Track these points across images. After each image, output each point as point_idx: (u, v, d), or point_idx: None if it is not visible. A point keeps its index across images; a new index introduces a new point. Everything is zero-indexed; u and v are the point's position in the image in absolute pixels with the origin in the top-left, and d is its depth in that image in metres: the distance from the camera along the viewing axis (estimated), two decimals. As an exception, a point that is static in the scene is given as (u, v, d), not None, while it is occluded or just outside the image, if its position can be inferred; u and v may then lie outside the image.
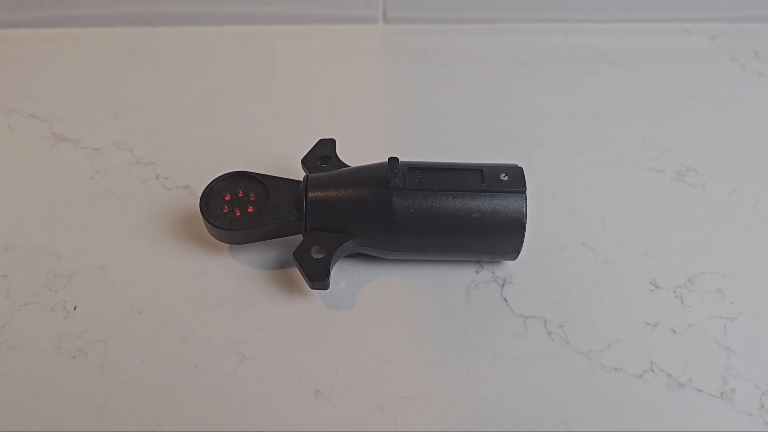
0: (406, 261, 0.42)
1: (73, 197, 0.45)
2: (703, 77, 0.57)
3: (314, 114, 0.52)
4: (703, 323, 0.39)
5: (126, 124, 0.51)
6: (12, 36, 0.59)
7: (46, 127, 0.50)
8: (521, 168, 0.39)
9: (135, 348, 0.37)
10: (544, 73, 0.57)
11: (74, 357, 0.36)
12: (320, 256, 0.38)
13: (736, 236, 0.44)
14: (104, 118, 0.51)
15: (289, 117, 0.52)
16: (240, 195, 0.40)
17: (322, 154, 0.42)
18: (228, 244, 0.42)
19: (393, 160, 0.38)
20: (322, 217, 0.38)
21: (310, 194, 0.38)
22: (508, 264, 0.42)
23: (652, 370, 0.37)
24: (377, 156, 0.42)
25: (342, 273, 0.41)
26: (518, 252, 0.39)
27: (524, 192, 0.38)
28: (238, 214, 0.39)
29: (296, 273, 0.41)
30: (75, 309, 0.39)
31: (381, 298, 0.40)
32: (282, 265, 0.41)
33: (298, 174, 0.43)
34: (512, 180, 0.38)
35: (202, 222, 0.40)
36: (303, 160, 0.42)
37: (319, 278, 0.37)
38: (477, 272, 0.41)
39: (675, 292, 0.41)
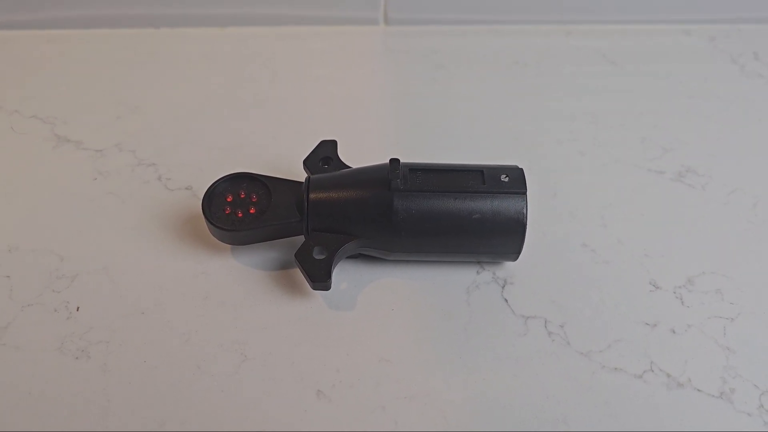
0: (407, 262, 0.42)
1: (76, 198, 0.45)
2: (703, 78, 0.57)
3: (315, 115, 0.52)
4: (702, 323, 0.39)
5: (128, 125, 0.51)
6: (14, 37, 0.59)
7: (48, 128, 0.50)
8: (522, 169, 0.39)
9: (137, 348, 0.37)
10: (544, 74, 0.57)
11: (77, 357, 0.37)
12: (322, 257, 0.38)
13: (735, 237, 0.44)
14: (107, 120, 0.51)
15: (291, 118, 0.52)
16: (242, 196, 0.40)
17: (324, 156, 0.43)
18: (230, 245, 0.42)
19: (394, 162, 0.38)
20: (323, 218, 0.38)
21: (312, 195, 0.39)
22: (509, 265, 0.42)
23: (652, 370, 0.37)
24: (378, 157, 0.42)
25: (343, 274, 0.41)
26: (519, 253, 0.39)
27: (525, 193, 0.38)
28: (240, 215, 0.40)
29: (298, 274, 0.41)
30: (78, 310, 0.39)
31: (382, 298, 0.40)
32: (284, 266, 0.41)
33: (300, 175, 0.43)
34: (513, 181, 0.38)
35: (204, 223, 0.40)
36: (305, 162, 0.43)
37: (320, 279, 0.37)
38: (478, 273, 0.41)
39: (675, 292, 0.41)
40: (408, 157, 0.44)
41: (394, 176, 0.37)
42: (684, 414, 0.35)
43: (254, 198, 0.40)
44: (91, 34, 0.59)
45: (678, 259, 0.42)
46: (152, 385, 0.36)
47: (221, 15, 0.60)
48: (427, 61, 0.58)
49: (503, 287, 0.41)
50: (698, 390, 0.36)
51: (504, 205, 0.37)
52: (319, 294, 0.40)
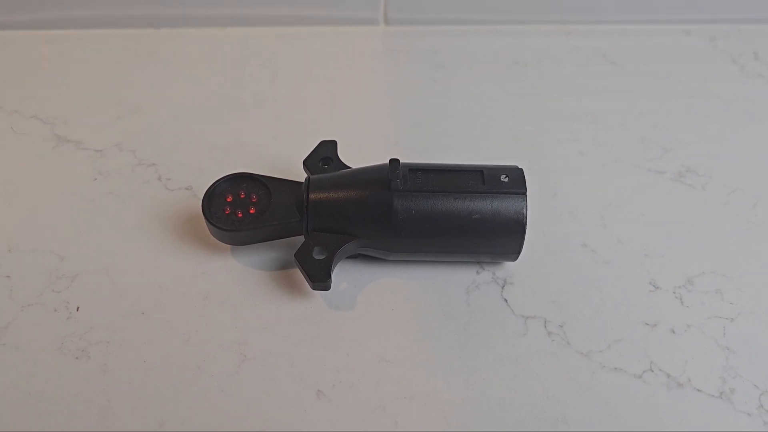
0: (407, 262, 0.42)
1: (76, 199, 0.45)
2: (702, 78, 0.57)
3: (315, 115, 0.52)
4: (702, 323, 0.39)
5: (128, 125, 0.51)
6: (14, 38, 0.59)
7: (48, 128, 0.50)
8: (521, 169, 0.39)
9: (137, 348, 0.37)
10: (544, 74, 0.57)
11: (77, 357, 0.37)
12: (322, 257, 0.38)
13: (735, 237, 0.44)
14: (107, 120, 0.51)
15: (291, 118, 0.52)
16: (242, 196, 0.40)
17: (324, 156, 0.43)
18: (230, 245, 0.42)
19: (394, 162, 0.38)
20: (323, 218, 0.38)
21: (312, 195, 0.39)
22: (509, 265, 0.42)
23: (652, 370, 0.37)
24: (378, 157, 0.42)
25: (343, 274, 0.41)
26: (518, 253, 0.39)
27: (524, 193, 0.38)
28: (240, 215, 0.40)
29: (298, 274, 0.41)
30: (78, 310, 0.39)
31: (382, 298, 0.40)
32: (283, 266, 0.41)
33: (300, 175, 0.44)
34: (513, 181, 0.38)
35: (204, 223, 0.40)
36: (304, 162, 0.43)
37: (320, 279, 0.37)
38: (477, 273, 0.41)
39: (674, 292, 0.41)
40: (408, 157, 0.44)
41: (394, 176, 0.37)
42: (684, 414, 0.35)
43: (254, 198, 0.40)
44: (91, 34, 0.59)
45: (678, 259, 0.42)
46: (152, 385, 0.36)
47: (221, 15, 0.60)
48: (427, 61, 0.58)
49: (503, 287, 0.41)
50: (698, 390, 0.36)
51: (504, 205, 0.37)
52: (319, 294, 0.40)
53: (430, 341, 0.38)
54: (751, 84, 0.57)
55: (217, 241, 0.41)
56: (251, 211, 0.40)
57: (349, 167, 0.42)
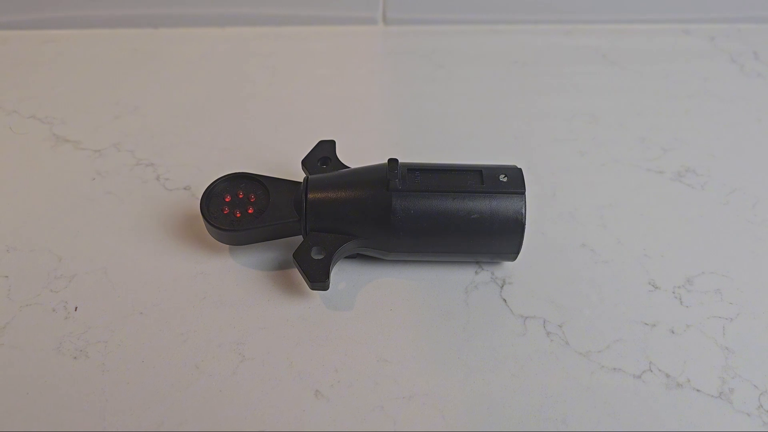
0: (405, 262, 0.42)
1: (74, 198, 0.45)
2: (702, 78, 0.57)
3: (314, 115, 0.52)
4: (701, 324, 0.39)
5: (127, 125, 0.51)
6: (13, 37, 0.59)
7: (47, 128, 0.50)
8: (520, 169, 0.39)
9: (136, 348, 0.37)
10: (543, 73, 0.57)
11: (75, 357, 0.37)
12: (320, 257, 0.38)
13: (734, 237, 0.44)
14: (105, 120, 0.51)
15: (289, 118, 0.52)
16: (240, 196, 0.40)
17: (322, 156, 0.42)
18: (228, 245, 0.42)
19: (392, 162, 0.38)
20: (322, 218, 0.38)
21: (310, 195, 0.39)
22: (508, 264, 0.42)
23: (651, 371, 0.37)
24: (377, 157, 0.42)
25: (342, 274, 0.41)
26: (517, 253, 0.39)
27: (523, 193, 0.38)
28: (238, 215, 0.40)
29: (296, 274, 0.41)
30: (76, 310, 0.39)
31: (381, 298, 0.40)
32: (282, 266, 0.41)
33: (298, 175, 0.43)
34: (511, 181, 0.38)
35: (203, 223, 0.40)
36: (303, 162, 0.42)
37: (319, 279, 0.37)
38: (476, 273, 0.41)
39: (674, 292, 0.41)
40: (407, 156, 0.44)
41: (393, 176, 0.37)
42: (683, 414, 0.35)
43: (252, 198, 0.40)
44: (90, 34, 0.59)
45: (677, 259, 0.42)
46: (150, 385, 0.36)
47: (220, 15, 0.60)
48: (425, 60, 0.58)
49: (502, 287, 0.41)
50: (697, 390, 0.36)
51: (503, 205, 0.37)
52: (318, 294, 0.40)
53: (428, 341, 0.38)
54: (750, 83, 0.56)
55: (216, 241, 0.41)
56: (250, 211, 0.40)
57: (348, 167, 0.42)
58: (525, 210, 0.37)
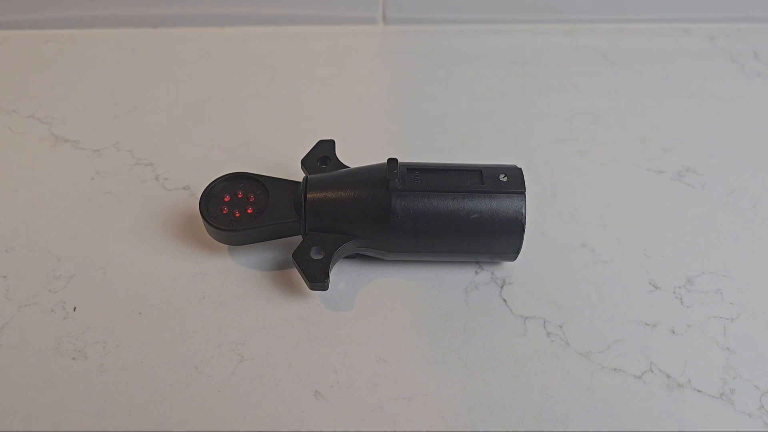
0: (405, 262, 0.42)
1: (73, 198, 0.45)
2: (702, 78, 0.57)
3: (314, 115, 0.52)
4: (702, 324, 0.39)
5: (126, 125, 0.51)
6: (12, 37, 0.59)
7: (46, 128, 0.50)
8: (520, 169, 0.39)
9: (135, 349, 0.37)
10: (543, 73, 0.57)
11: (74, 358, 0.37)
12: (319, 257, 0.38)
13: (735, 237, 0.44)
14: (104, 120, 0.51)
15: (289, 118, 0.52)
16: (239, 196, 0.40)
17: (322, 155, 0.42)
18: (227, 245, 0.42)
19: (392, 161, 0.38)
20: (321, 218, 0.38)
21: (310, 195, 0.38)
22: (508, 265, 0.42)
23: (652, 371, 0.37)
24: (377, 157, 0.42)
25: (341, 274, 0.41)
26: (517, 253, 0.39)
27: (523, 193, 0.38)
28: (237, 215, 0.39)
29: (296, 274, 0.41)
30: (75, 310, 0.39)
31: (380, 298, 0.40)
32: (281, 266, 0.41)
33: (298, 175, 0.43)
34: (511, 181, 0.38)
35: (202, 223, 0.40)
36: (302, 161, 0.42)
37: (318, 279, 0.37)
38: (476, 273, 0.41)
39: (674, 292, 0.41)
40: (407, 156, 0.44)
41: (392, 176, 0.37)
42: (684, 415, 0.35)
43: (252, 198, 0.40)
44: (89, 33, 0.59)
45: (678, 258, 0.42)
46: (149, 385, 0.35)
47: (219, 14, 0.60)
48: (425, 60, 0.58)
49: (502, 287, 0.40)
50: (698, 391, 0.36)
51: (503, 204, 0.37)
52: (317, 294, 0.40)
53: (428, 341, 0.38)
54: (750, 83, 0.56)
55: (215, 241, 0.41)
56: (249, 211, 0.40)
57: (347, 167, 0.42)
58: (525, 210, 0.37)
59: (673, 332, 0.38)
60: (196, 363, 0.36)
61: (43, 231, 0.43)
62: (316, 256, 0.38)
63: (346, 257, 0.41)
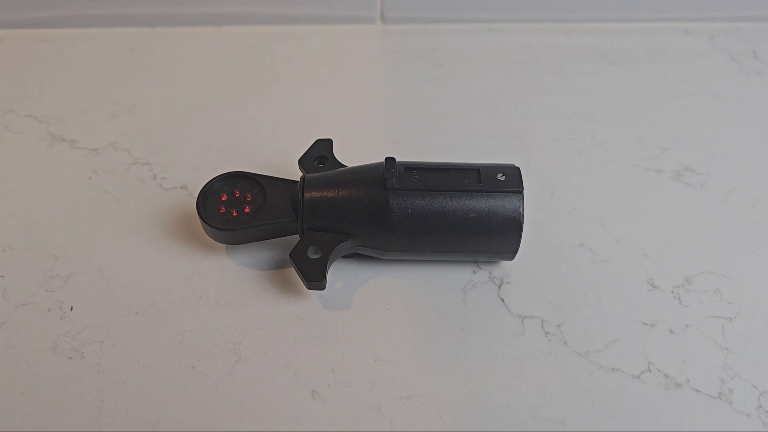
0: (403, 261, 0.41)
1: (71, 198, 0.45)
2: (701, 77, 0.57)
3: (312, 114, 0.52)
4: (700, 323, 0.39)
5: (124, 124, 0.51)
6: (10, 36, 0.59)
7: (43, 127, 0.50)
8: (518, 168, 0.39)
9: (131, 348, 0.37)
10: (542, 72, 0.57)
11: (70, 357, 0.36)
12: (317, 256, 0.38)
13: (734, 236, 0.44)
14: (102, 119, 0.51)
15: (287, 117, 0.52)
16: (237, 195, 0.40)
17: (319, 154, 0.42)
18: (225, 245, 0.42)
19: (390, 160, 0.38)
20: (318, 217, 0.38)
21: (307, 194, 0.38)
22: (506, 264, 0.41)
23: (650, 371, 0.37)
24: (375, 156, 0.42)
25: (339, 273, 0.41)
26: (515, 252, 0.39)
27: (521, 192, 0.37)
28: (234, 214, 0.39)
29: (293, 273, 0.41)
30: (71, 309, 0.39)
31: (378, 298, 0.40)
32: (279, 266, 0.41)
33: (295, 174, 0.43)
34: (509, 180, 0.38)
35: (199, 222, 0.40)
36: (300, 160, 0.42)
37: (315, 278, 0.37)
38: (474, 272, 0.41)
39: (673, 292, 0.40)
40: (405, 155, 0.43)
41: (390, 175, 0.37)
42: (682, 415, 0.35)
43: (249, 197, 0.40)
44: (87, 33, 0.59)
45: (676, 258, 0.42)
46: (146, 385, 0.35)
47: (217, 14, 0.59)
48: (423, 59, 0.58)
49: (500, 287, 0.40)
50: (696, 390, 0.36)
51: (500, 204, 0.37)
52: (315, 294, 0.40)
53: (426, 341, 0.38)
54: (749, 82, 0.56)
55: (212, 241, 0.41)
56: (246, 210, 0.40)
57: (345, 166, 0.42)
58: (523, 209, 0.37)
59: (672, 332, 0.38)
60: (193, 362, 0.36)
61: (41, 230, 0.43)
62: (313, 255, 0.38)
63: (343, 256, 0.41)
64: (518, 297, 0.40)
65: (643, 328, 0.38)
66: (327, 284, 0.38)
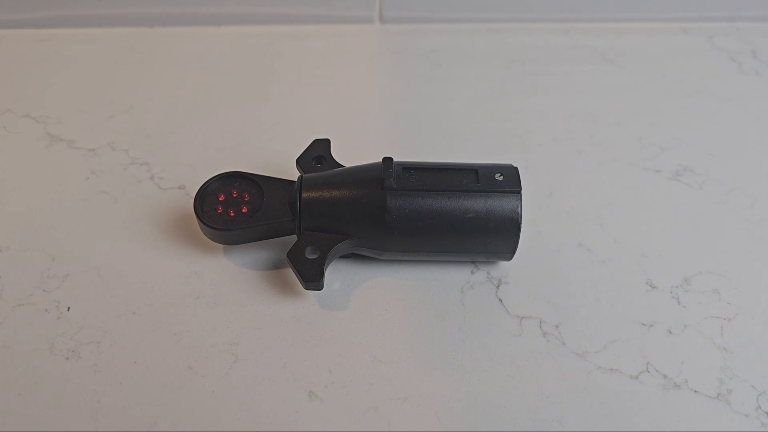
0: (400, 261, 0.41)
1: (68, 198, 0.45)
2: (700, 77, 0.57)
3: (310, 114, 0.52)
4: (699, 324, 0.39)
5: (121, 124, 0.51)
6: (7, 36, 0.59)
7: (41, 127, 0.50)
8: (516, 168, 0.39)
9: (129, 349, 0.37)
10: (541, 72, 0.57)
11: (67, 358, 0.36)
12: (314, 256, 0.37)
13: (733, 236, 0.44)
14: (100, 119, 0.51)
15: (284, 117, 0.52)
16: (234, 195, 0.40)
17: (317, 154, 0.42)
18: (222, 245, 0.41)
19: (387, 160, 0.38)
20: (316, 217, 0.38)
21: (305, 194, 0.38)
22: (504, 264, 0.41)
23: (648, 371, 0.36)
24: (374, 156, 0.42)
25: (336, 273, 0.41)
26: (513, 252, 0.39)
27: (519, 192, 0.37)
28: (232, 214, 0.39)
29: (290, 273, 0.40)
30: (69, 310, 0.38)
31: (376, 298, 0.40)
32: (276, 266, 0.41)
33: (293, 174, 0.43)
34: (507, 180, 0.38)
35: (197, 222, 0.40)
36: (297, 160, 0.42)
37: (313, 279, 0.37)
38: (472, 272, 0.41)
39: (671, 292, 0.40)
40: (403, 155, 0.43)
41: (388, 175, 0.37)
42: (680, 415, 0.35)
43: (246, 197, 0.40)
44: (85, 32, 0.59)
45: (675, 258, 0.42)
46: (143, 385, 0.35)
47: (216, 14, 0.59)
48: (422, 59, 0.58)
49: (498, 287, 0.40)
50: (695, 391, 0.36)
51: (498, 204, 0.37)
52: (312, 294, 0.40)
53: (424, 341, 0.38)
54: (749, 82, 0.56)
55: (210, 241, 0.41)
56: (243, 210, 0.39)
57: (343, 166, 0.42)
58: (521, 209, 0.37)
59: (670, 332, 0.38)
60: (191, 363, 0.36)
61: (38, 230, 0.43)
62: (311, 255, 0.38)
63: (341, 257, 0.41)
64: (516, 297, 0.40)
65: (642, 329, 0.38)
66: (324, 284, 0.38)
